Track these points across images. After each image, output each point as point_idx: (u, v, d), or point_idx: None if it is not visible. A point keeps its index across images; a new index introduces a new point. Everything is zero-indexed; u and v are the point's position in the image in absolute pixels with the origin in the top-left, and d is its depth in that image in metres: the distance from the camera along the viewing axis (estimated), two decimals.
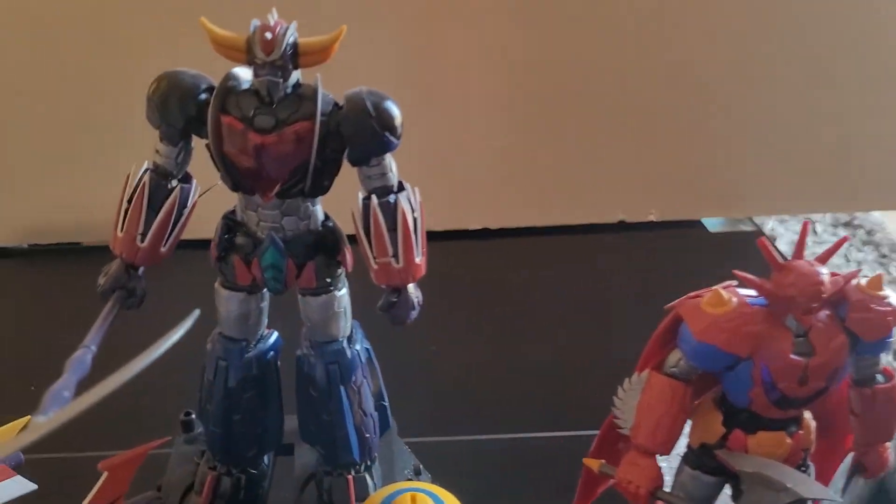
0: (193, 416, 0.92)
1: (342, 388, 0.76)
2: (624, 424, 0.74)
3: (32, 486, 0.76)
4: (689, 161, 1.62)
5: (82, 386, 0.54)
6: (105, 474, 0.68)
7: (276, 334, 0.79)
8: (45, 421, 0.43)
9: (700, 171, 1.63)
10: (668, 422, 0.71)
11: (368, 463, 0.83)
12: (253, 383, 0.77)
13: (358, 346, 0.77)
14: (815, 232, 1.68)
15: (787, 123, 1.60)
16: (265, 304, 0.75)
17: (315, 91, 0.65)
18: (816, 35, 1.53)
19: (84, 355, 0.56)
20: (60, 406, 0.48)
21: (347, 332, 0.76)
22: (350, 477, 0.81)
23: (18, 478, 0.75)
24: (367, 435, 0.80)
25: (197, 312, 0.53)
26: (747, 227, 1.69)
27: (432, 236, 1.59)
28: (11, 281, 1.51)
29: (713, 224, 1.68)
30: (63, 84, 1.45)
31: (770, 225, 1.69)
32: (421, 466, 0.90)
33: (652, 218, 1.64)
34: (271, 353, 0.78)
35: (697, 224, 1.67)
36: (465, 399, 1.18)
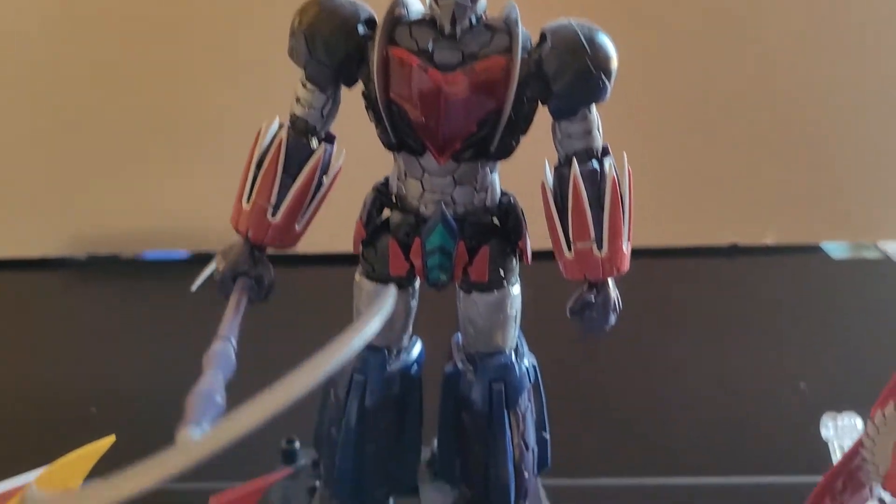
0: (297, 444, 0.77)
1: (506, 415, 0.60)
2: (876, 470, 0.57)
3: None
4: (810, 179, 1.47)
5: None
6: None
7: (419, 343, 0.63)
8: (203, 438, 0.28)
9: (822, 190, 1.47)
10: None
11: None
12: (394, 405, 0.61)
13: (526, 362, 0.61)
14: None
15: None
16: (415, 304, 0.60)
17: (511, 21, 0.50)
18: None
19: (226, 349, 0.41)
20: (216, 414, 0.33)
21: (514, 343, 0.60)
22: None
23: None
24: (526, 475, 0.64)
25: (393, 289, 0.38)
26: (873, 255, 1.52)
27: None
28: (68, 293, 1.39)
29: (836, 250, 1.51)
30: (124, 90, 1.34)
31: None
32: None
33: (767, 242, 1.48)
34: (415, 366, 0.62)
35: (818, 249, 1.51)
36: (574, 431, 1.02)
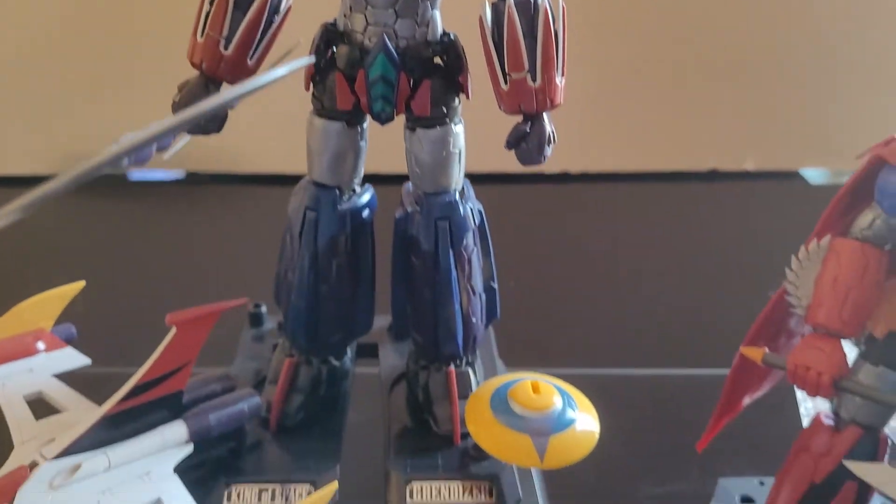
0: (263, 308, 0.80)
1: (451, 254, 0.63)
2: (798, 302, 0.60)
3: (86, 361, 0.66)
4: (790, 106, 1.49)
5: None
6: (173, 331, 0.56)
7: (372, 190, 0.66)
8: (118, 146, 0.31)
9: (801, 117, 1.49)
10: (858, 296, 0.58)
11: (470, 359, 0.70)
12: (345, 247, 0.64)
13: (471, 205, 0.64)
14: None
15: None
16: (364, 144, 0.63)
17: None
18: None
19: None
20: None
21: (460, 185, 0.63)
22: (451, 370, 0.68)
23: (70, 350, 0.66)
24: (474, 320, 0.67)
25: (313, 59, 0.41)
26: None
27: (504, 179, 1.48)
28: (58, 210, 1.41)
29: (814, 176, 1.53)
30: (100, 10, 1.36)
31: None
32: None
33: (747, 167, 1.51)
34: (367, 210, 0.65)
35: (797, 176, 1.53)
36: (535, 333, 1.08)
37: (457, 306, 0.65)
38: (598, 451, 0.91)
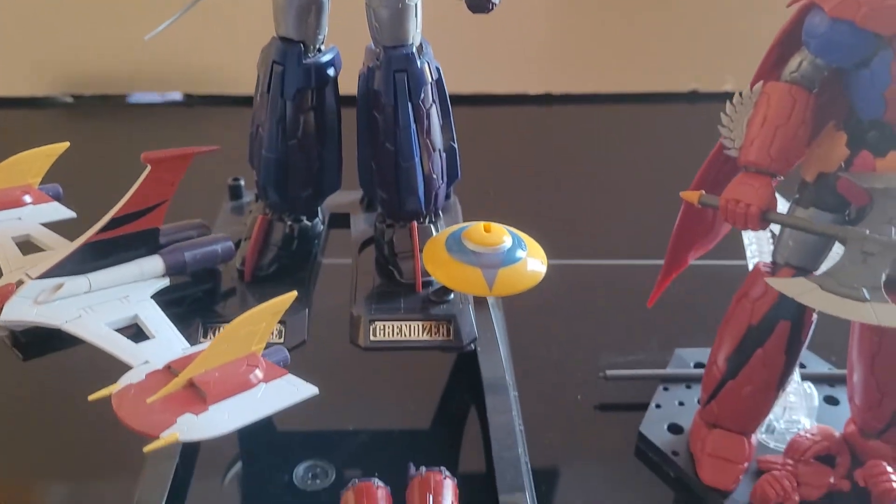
0: (242, 181, 0.85)
1: (409, 107, 0.67)
2: (732, 144, 0.64)
3: (71, 214, 0.71)
4: (772, 24, 1.50)
5: None
6: (148, 169, 0.61)
7: (336, 50, 0.70)
8: None
9: None
10: (787, 134, 0.62)
11: (433, 218, 0.75)
12: (311, 101, 0.68)
13: (427, 60, 0.68)
14: None
15: None
16: (326, 0, 0.67)
17: None
18: None
19: None
20: None
21: (418, 41, 0.67)
22: (414, 224, 0.72)
23: (57, 204, 0.70)
24: (434, 177, 0.71)
25: None
26: None
27: (488, 100, 1.50)
28: (52, 134, 1.44)
29: None
30: None
31: None
32: None
33: (728, 88, 1.53)
34: (332, 68, 0.69)
35: None
36: None
37: (417, 160, 0.69)
38: (563, 327, 0.96)
